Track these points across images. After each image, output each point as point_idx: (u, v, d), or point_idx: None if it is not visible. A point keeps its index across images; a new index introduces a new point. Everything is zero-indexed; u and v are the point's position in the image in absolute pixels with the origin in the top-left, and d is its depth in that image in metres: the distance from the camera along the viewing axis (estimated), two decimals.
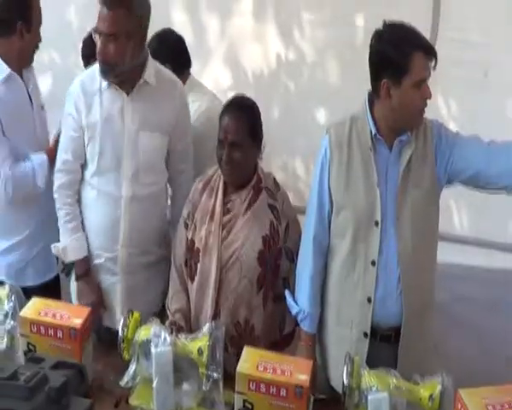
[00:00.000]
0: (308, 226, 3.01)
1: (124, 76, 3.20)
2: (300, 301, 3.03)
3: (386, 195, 2.83)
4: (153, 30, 3.59)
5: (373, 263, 2.85)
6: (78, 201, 3.39)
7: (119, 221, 3.31)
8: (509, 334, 4.54)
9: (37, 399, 1.38)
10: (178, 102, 3.36)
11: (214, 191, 3.13)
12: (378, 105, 2.82)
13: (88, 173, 3.34)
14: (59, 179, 3.37)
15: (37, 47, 3.40)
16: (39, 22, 3.34)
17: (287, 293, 3.08)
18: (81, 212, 3.38)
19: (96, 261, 3.40)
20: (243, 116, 3.04)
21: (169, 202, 3.55)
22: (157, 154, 3.33)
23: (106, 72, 3.18)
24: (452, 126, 4.41)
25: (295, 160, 5.05)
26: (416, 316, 2.89)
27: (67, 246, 3.37)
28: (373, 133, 2.82)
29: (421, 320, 2.93)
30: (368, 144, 2.83)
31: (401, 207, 2.82)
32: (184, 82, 3.84)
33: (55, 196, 3.38)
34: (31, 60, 3.43)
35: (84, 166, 3.35)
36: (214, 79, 5.06)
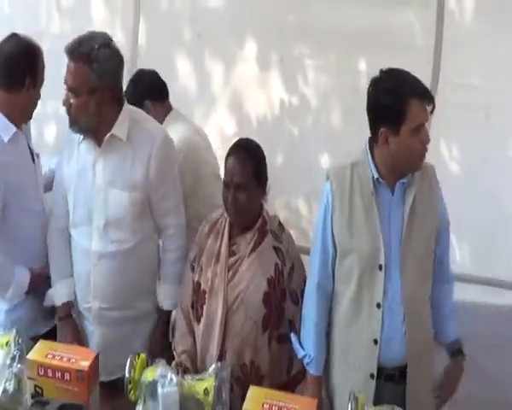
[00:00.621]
0: (312, 272, 3.08)
1: (91, 130, 3.22)
2: (306, 346, 3.09)
3: (390, 238, 2.91)
4: None
5: (378, 306, 2.92)
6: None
7: (89, 274, 3.37)
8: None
9: None
10: (154, 157, 3.26)
11: (220, 234, 3.21)
12: (377, 151, 2.90)
13: (69, 223, 3.42)
14: (52, 224, 3.47)
15: (36, 104, 3.44)
16: (43, 79, 3.38)
17: (292, 337, 3.14)
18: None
19: (79, 308, 3.49)
20: (248, 159, 3.12)
21: None
22: (127, 211, 3.29)
23: (71, 123, 3.22)
24: (455, 169, 4.55)
25: (298, 200, 5.12)
26: (420, 354, 2.97)
27: (55, 290, 3.46)
28: (375, 177, 2.89)
29: (425, 358, 3.01)
30: (369, 189, 2.90)
31: (406, 250, 2.90)
32: (166, 114, 3.99)
33: (49, 239, 3.46)
34: (31, 115, 3.48)
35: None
36: (218, 126, 5.16)
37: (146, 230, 3.38)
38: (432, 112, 2.82)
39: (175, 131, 3.84)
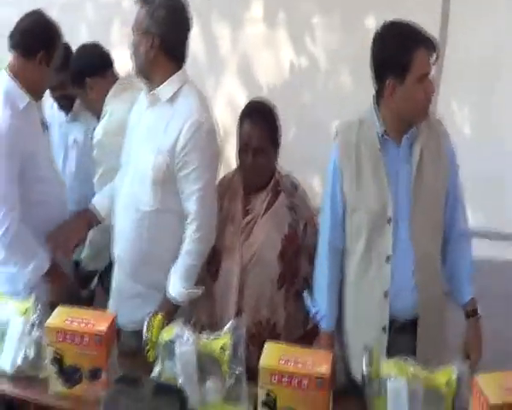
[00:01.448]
0: (323, 231, 3.16)
1: (142, 74, 3.32)
2: (319, 302, 3.18)
3: (398, 193, 2.97)
4: None
5: (388, 259, 2.99)
6: None
7: (115, 220, 3.52)
8: None
9: None
10: (185, 132, 3.22)
11: (234, 195, 3.29)
12: (383, 105, 2.96)
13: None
14: None
15: (46, 83, 3.56)
16: (56, 62, 3.48)
17: (305, 295, 3.23)
18: None
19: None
20: (264, 122, 3.19)
21: None
22: (149, 173, 3.28)
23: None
24: (466, 129, 4.60)
25: (310, 166, 5.17)
26: (430, 304, 3.05)
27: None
28: (380, 134, 2.96)
29: (435, 310, 3.09)
30: (376, 145, 2.97)
31: (414, 204, 2.96)
32: (108, 86, 3.82)
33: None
34: (42, 93, 3.58)
35: None
36: (228, 92, 5.21)
37: (169, 203, 3.31)
38: (436, 61, 2.88)
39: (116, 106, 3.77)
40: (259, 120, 3.19)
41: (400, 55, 2.83)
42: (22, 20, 3.45)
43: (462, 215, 3.16)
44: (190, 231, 3.24)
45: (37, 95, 3.52)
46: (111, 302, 3.53)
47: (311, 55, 5.18)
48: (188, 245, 3.25)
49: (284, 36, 5.17)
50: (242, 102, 5.16)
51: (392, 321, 3.04)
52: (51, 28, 3.47)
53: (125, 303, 3.44)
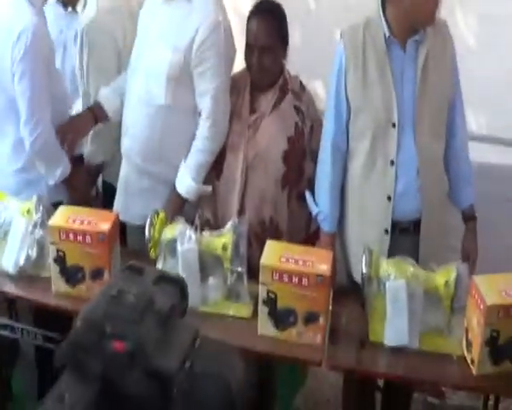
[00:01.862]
0: (327, 132, 3.16)
1: None
2: (320, 203, 3.21)
3: (403, 96, 2.98)
4: None
5: (392, 163, 3.01)
6: None
7: (127, 114, 3.51)
8: None
9: (146, 323, 1.28)
10: (203, 30, 3.24)
11: (241, 92, 3.28)
12: (390, 7, 2.94)
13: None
14: None
15: None
16: None
17: (307, 194, 3.26)
18: None
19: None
20: (272, 20, 3.17)
21: None
22: (165, 69, 3.31)
23: None
24: (471, 39, 4.58)
25: (315, 77, 5.14)
26: (433, 206, 3.10)
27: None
28: (386, 35, 2.94)
29: (438, 210, 3.14)
30: (382, 47, 2.95)
31: (420, 107, 2.97)
32: None
33: None
34: None
35: None
36: (233, 2, 5.17)
37: (183, 100, 3.34)
38: None
39: None
40: (266, 18, 3.18)
41: None
42: None
43: (463, 121, 3.19)
44: (203, 129, 3.28)
45: None
46: (117, 198, 3.55)
47: None
48: (199, 142, 3.30)
49: None
50: (245, 2, 5.19)
51: (394, 224, 3.08)
52: None
53: (132, 198, 3.48)
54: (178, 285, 1.44)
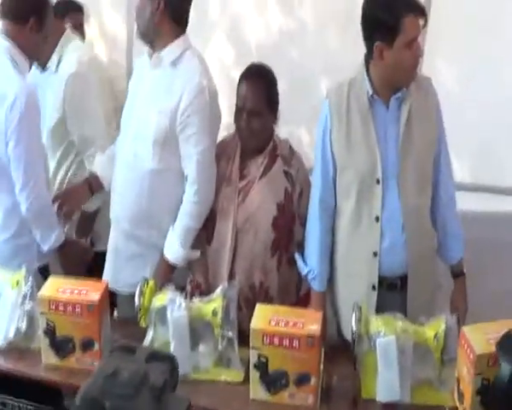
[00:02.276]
0: (314, 190, 3.22)
1: (146, 38, 3.40)
2: (310, 262, 3.25)
3: (387, 153, 3.03)
4: None
5: (377, 219, 3.06)
6: None
7: (116, 179, 3.59)
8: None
9: (141, 398, 1.37)
10: (187, 93, 3.30)
11: (231, 157, 3.33)
12: (372, 66, 3.02)
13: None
14: None
15: (39, 51, 3.57)
16: (48, 29, 3.50)
17: (296, 256, 3.30)
18: None
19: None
20: (261, 84, 3.25)
21: None
22: (151, 132, 3.36)
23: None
24: (450, 83, 4.67)
25: (300, 125, 5.23)
26: (420, 261, 3.14)
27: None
28: (369, 94, 3.01)
29: (425, 265, 3.18)
30: (366, 105, 3.02)
31: (403, 163, 3.03)
32: (63, 32, 3.92)
33: None
34: (35, 60, 3.61)
35: None
36: (217, 54, 5.24)
37: (170, 163, 3.40)
38: (424, 26, 2.95)
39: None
40: (256, 82, 3.25)
41: (389, 19, 2.88)
42: None
43: (449, 176, 3.23)
44: (189, 194, 3.34)
45: (31, 61, 3.55)
46: (107, 266, 3.60)
47: (300, 15, 5.23)
48: (186, 207, 3.36)
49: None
50: (231, 61, 5.27)
51: (381, 280, 3.13)
52: None
53: (121, 265, 3.54)
54: (169, 361, 1.50)
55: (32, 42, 3.44)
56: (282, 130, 4.17)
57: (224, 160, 3.36)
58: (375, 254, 3.10)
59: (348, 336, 2.96)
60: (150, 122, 3.34)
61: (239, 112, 3.24)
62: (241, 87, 3.25)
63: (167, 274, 3.36)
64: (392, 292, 3.15)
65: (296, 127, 5.27)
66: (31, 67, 3.61)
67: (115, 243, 3.57)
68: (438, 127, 3.14)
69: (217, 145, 3.40)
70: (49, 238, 3.49)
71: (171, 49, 3.33)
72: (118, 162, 3.53)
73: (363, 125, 3.04)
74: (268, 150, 3.31)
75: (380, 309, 3.04)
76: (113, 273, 3.52)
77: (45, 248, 3.50)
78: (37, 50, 3.53)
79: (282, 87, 4.76)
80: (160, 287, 3.05)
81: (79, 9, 4.62)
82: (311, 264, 3.26)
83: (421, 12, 2.93)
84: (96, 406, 1.36)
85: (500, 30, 4.69)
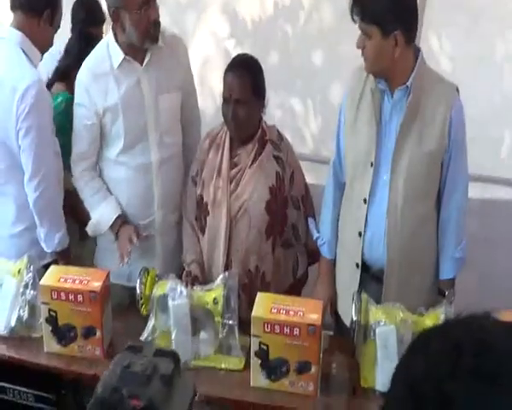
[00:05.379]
0: (332, 163, 3.38)
1: (130, 47, 3.49)
2: (322, 230, 3.45)
3: (386, 142, 3.11)
4: None
5: (364, 201, 3.17)
6: (104, 182, 3.70)
7: (151, 187, 3.64)
8: (504, 264, 4.93)
9: (153, 384, 1.57)
10: (183, 57, 3.68)
11: (221, 147, 3.42)
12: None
13: (113, 153, 3.62)
14: (78, 166, 3.64)
15: (47, 44, 3.64)
16: (59, 23, 3.60)
17: (310, 220, 3.49)
18: (110, 190, 3.69)
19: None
20: (247, 74, 3.31)
21: None
22: (176, 112, 3.66)
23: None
24: (447, 70, 4.78)
25: (293, 99, 5.36)
26: (401, 263, 3.20)
27: (101, 214, 3.69)
28: (377, 83, 3.08)
29: (408, 268, 3.23)
30: (375, 94, 3.09)
31: (397, 156, 3.08)
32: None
33: (77, 182, 3.67)
34: (41, 55, 3.63)
35: (105, 148, 3.63)
36: (212, 29, 5.34)
37: (180, 135, 3.74)
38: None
39: None
40: (240, 72, 3.33)
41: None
42: None
43: (458, 192, 3.21)
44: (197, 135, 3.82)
45: (41, 53, 3.60)
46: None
47: None
48: None
49: None
50: (226, 35, 5.37)
51: (366, 263, 3.26)
52: None
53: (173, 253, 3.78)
54: (173, 356, 1.69)
55: (44, 34, 3.54)
56: (276, 100, 4.27)
57: (214, 150, 3.46)
58: (359, 234, 3.22)
59: (342, 314, 3.18)
60: (173, 106, 3.67)
61: (226, 102, 3.32)
62: (227, 77, 3.34)
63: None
64: (375, 282, 3.25)
65: (289, 97, 5.42)
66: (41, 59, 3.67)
67: (165, 247, 3.83)
68: (449, 142, 3.10)
69: (206, 136, 3.53)
70: (53, 239, 3.59)
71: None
72: (141, 180, 3.68)
73: (369, 109, 3.12)
74: (257, 137, 3.40)
75: (361, 289, 3.12)
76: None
77: (48, 249, 3.60)
78: (47, 43, 3.62)
79: (276, 60, 4.89)
80: None
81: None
82: (322, 231, 3.44)
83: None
84: (116, 391, 1.53)
85: (501, 28, 4.81)
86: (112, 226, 3.67)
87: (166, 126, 3.61)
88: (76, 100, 3.59)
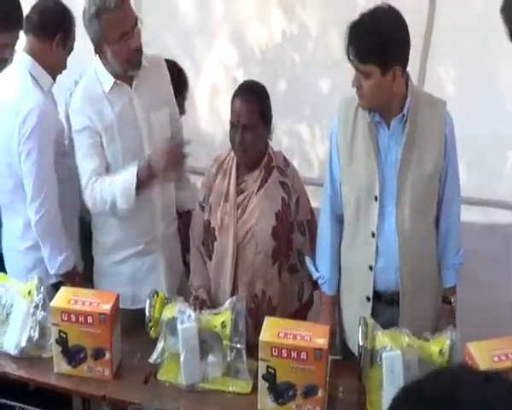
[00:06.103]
0: (324, 198, 3.37)
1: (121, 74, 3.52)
2: (320, 268, 3.42)
3: (386, 174, 3.13)
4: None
5: (373, 235, 3.19)
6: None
7: (152, 201, 3.65)
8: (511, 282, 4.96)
9: None
10: (165, 74, 3.72)
11: (227, 173, 3.47)
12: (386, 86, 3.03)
13: (113, 172, 3.58)
14: (93, 184, 3.52)
15: (61, 67, 3.70)
16: (72, 46, 3.65)
17: (307, 260, 3.47)
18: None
19: (133, 250, 3.72)
20: (254, 99, 3.35)
21: None
22: (167, 127, 3.69)
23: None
24: (453, 94, 4.82)
25: (301, 126, 5.41)
26: (414, 285, 3.24)
27: (125, 178, 3.57)
28: (371, 114, 3.09)
29: (420, 288, 3.27)
30: (370, 124, 3.10)
31: (401, 185, 3.11)
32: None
33: (89, 190, 3.53)
34: (54, 77, 3.69)
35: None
36: (220, 57, 5.40)
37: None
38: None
39: None
40: (248, 98, 3.36)
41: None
42: (39, 3, 3.60)
43: (452, 206, 3.28)
44: None
45: (53, 77, 3.66)
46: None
47: (302, 19, 5.38)
48: None
49: (275, 8, 5.41)
50: (235, 65, 5.42)
51: (378, 293, 3.26)
52: (68, 11, 3.62)
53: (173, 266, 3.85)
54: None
55: (55, 58, 3.60)
56: (284, 127, 4.31)
57: (221, 176, 3.50)
58: (370, 268, 3.23)
59: (351, 346, 3.16)
60: (165, 121, 3.70)
61: (233, 128, 3.37)
62: (235, 103, 3.38)
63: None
64: (386, 306, 3.28)
65: (297, 124, 5.48)
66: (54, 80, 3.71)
67: (168, 261, 3.85)
68: (446, 157, 3.16)
69: (213, 162, 3.57)
70: (55, 261, 3.62)
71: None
72: (145, 196, 3.65)
73: (366, 141, 3.13)
74: (263, 164, 3.44)
75: (375, 318, 3.12)
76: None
77: (51, 270, 3.63)
78: (59, 67, 3.68)
79: (283, 87, 4.93)
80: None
81: None
82: (321, 269, 3.42)
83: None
84: None
85: (500, 43, 4.84)
86: (139, 176, 3.48)
87: (160, 141, 3.62)
88: (75, 128, 3.55)
